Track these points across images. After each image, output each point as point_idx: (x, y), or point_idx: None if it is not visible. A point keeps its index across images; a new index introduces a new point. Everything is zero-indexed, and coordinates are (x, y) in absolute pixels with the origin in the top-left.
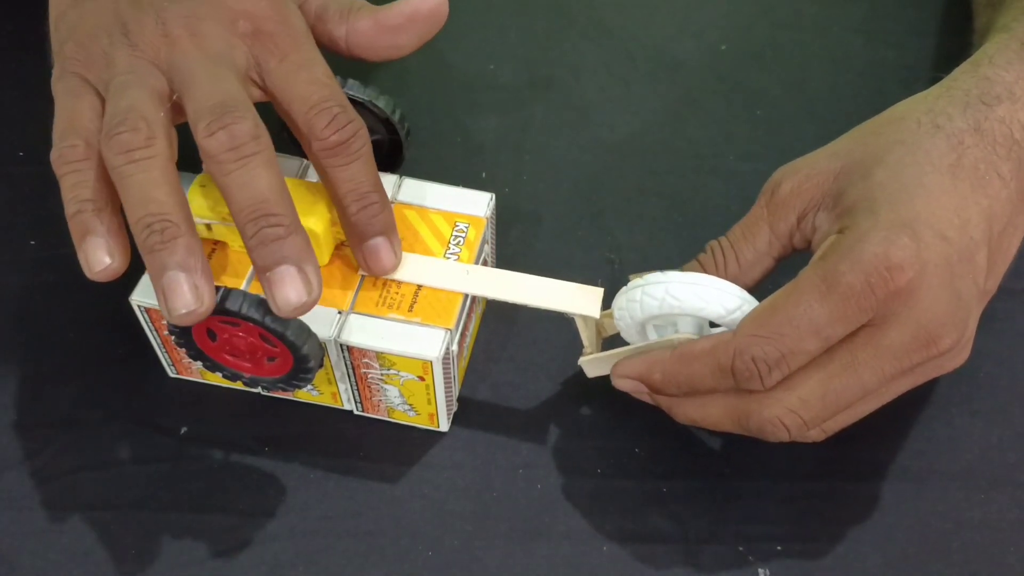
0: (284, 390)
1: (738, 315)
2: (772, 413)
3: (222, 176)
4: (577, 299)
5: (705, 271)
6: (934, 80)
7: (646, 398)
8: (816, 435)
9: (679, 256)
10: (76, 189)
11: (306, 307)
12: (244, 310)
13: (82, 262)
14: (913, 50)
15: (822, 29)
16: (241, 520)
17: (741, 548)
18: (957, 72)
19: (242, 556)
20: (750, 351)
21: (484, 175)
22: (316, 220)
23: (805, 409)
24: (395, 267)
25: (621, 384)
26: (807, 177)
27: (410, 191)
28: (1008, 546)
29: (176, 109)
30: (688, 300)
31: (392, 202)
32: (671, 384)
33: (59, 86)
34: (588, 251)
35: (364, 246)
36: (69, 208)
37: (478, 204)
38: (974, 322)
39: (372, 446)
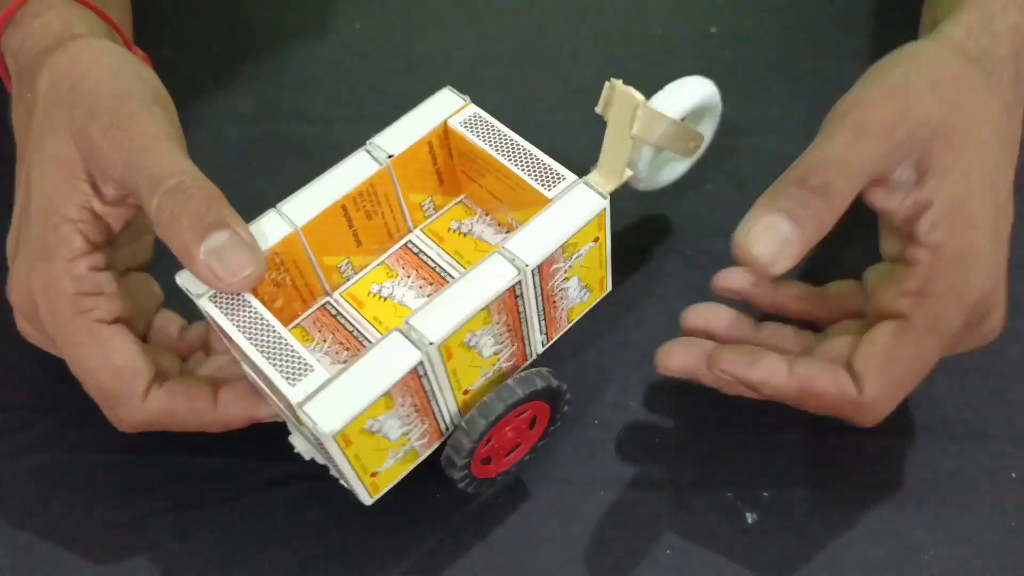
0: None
1: None
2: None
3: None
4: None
5: (801, 222)
6: None
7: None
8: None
9: None
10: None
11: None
12: (522, 393)
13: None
14: (901, 36)
15: (810, 13)
16: (242, 519)
17: (730, 494)
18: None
19: (243, 555)
20: (882, 413)
21: None
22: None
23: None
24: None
25: (717, 379)
26: (907, 107)
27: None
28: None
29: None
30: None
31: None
32: (775, 396)
33: None
34: None
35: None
36: None
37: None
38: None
39: None
